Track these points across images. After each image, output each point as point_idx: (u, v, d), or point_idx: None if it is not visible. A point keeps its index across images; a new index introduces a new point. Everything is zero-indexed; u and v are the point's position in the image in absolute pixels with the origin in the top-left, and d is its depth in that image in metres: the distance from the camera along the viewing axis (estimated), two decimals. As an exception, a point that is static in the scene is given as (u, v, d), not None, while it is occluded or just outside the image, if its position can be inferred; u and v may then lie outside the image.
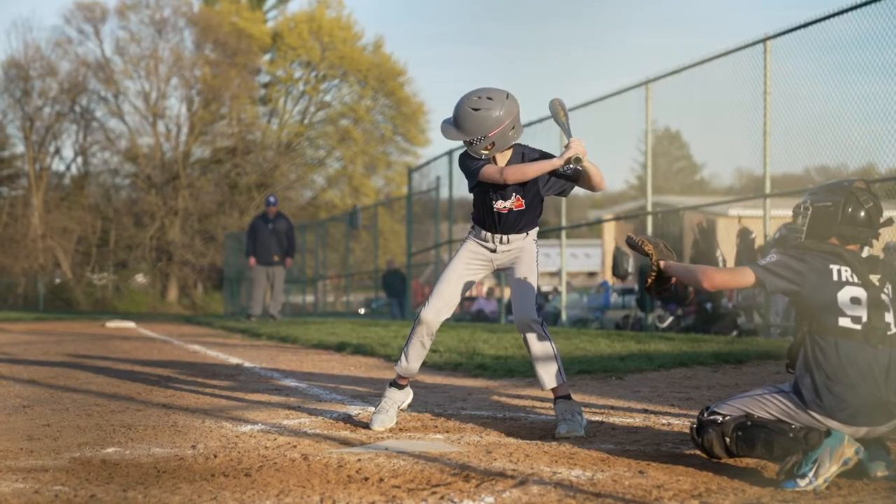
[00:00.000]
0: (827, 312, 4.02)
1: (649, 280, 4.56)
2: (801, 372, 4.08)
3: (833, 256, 4.09)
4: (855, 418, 3.94)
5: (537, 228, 5.33)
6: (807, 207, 4.20)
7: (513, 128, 5.02)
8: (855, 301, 4.02)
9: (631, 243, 4.67)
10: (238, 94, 47.11)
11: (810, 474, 3.78)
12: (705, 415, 4.17)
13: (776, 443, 3.93)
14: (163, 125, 46.99)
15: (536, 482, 3.84)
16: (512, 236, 5.21)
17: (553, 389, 5.18)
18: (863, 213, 4.11)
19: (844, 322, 4.00)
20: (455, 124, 5.07)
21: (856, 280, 4.06)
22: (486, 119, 4.96)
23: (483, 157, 5.07)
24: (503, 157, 5.13)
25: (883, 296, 4.07)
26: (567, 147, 4.90)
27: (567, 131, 5.09)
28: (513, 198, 5.12)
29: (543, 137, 16.90)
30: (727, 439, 4.06)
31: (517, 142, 5.15)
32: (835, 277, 4.04)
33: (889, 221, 4.19)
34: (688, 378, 7.75)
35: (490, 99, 4.97)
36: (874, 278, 4.09)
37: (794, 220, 4.25)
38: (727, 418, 4.11)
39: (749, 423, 4.05)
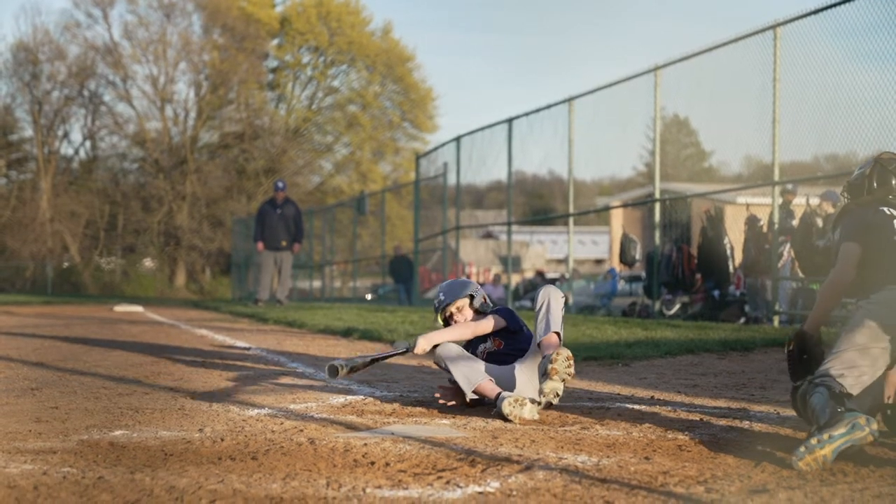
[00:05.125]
0: (885, 237, 4.62)
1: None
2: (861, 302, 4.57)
3: (880, 202, 4.75)
4: None
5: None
6: (844, 187, 4.93)
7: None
8: None
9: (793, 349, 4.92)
10: (246, 78, 47.08)
11: (821, 436, 3.92)
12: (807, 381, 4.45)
13: (817, 414, 4.17)
14: (171, 110, 47.04)
15: (542, 467, 3.85)
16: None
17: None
18: (893, 178, 4.76)
19: None
20: (451, 298, 5.75)
21: None
22: (458, 282, 5.94)
23: (483, 305, 5.78)
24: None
25: None
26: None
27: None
28: (488, 342, 5.67)
29: (550, 126, 16.89)
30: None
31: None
32: (887, 213, 4.70)
33: None
34: (694, 365, 7.75)
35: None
36: None
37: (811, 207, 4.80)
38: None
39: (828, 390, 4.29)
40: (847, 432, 3.94)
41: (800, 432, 4.64)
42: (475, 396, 5.30)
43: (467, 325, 5.67)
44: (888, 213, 4.69)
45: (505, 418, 5.03)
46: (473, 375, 5.33)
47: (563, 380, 5.10)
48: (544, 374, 5.10)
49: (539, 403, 5.15)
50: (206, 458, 4.01)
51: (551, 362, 5.08)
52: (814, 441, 3.91)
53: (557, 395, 5.11)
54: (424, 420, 5.09)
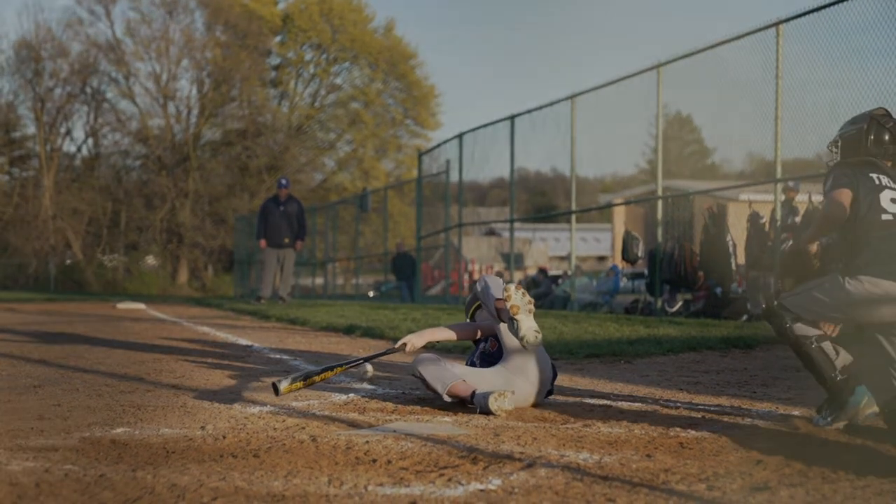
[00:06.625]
0: (871, 211, 4.61)
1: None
2: (842, 264, 4.69)
3: (870, 166, 4.72)
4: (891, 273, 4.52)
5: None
6: (836, 141, 4.87)
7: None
8: (893, 201, 4.65)
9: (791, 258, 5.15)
10: (248, 76, 47.11)
11: (829, 418, 4.70)
12: (775, 302, 4.77)
13: (815, 372, 4.71)
14: (173, 107, 47.10)
15: (544, 465, 3.85)
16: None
17: None
18: (886, 134, 4.76)
19: (886, 217, 4.61)
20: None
21: (892, 185, 4.68)
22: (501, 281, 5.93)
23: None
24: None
25: None
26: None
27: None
28: (487, 342, 5.74)
29: (553, 123, 16.88)
30: (791, 338, 4.74)
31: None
32: (876, 182, 4.66)
33: None
34: (696, 362, 7.75)
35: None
36: None
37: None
38: (797, 326, 4.70)
39: (812, 344, 4.67)
40: (851, 417, 4.65)
41: (801, 430, 4.66)
42: (450, 399, 5.34)
43: (462, 329, 5.74)
44: (877, 182, 4.67)
45: (491, 413, 5.09)
46: (446, 377, 5.36)
47: (530, 311, 5.15)
48: (511, 321, 5.15)
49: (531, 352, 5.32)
50: (207, 456, 4.01)
51: (507, 300, 5.15)
52: (829, 418, 4.68)
53: (536, 331, 5.13)
54: (426, 417, 5.09)
